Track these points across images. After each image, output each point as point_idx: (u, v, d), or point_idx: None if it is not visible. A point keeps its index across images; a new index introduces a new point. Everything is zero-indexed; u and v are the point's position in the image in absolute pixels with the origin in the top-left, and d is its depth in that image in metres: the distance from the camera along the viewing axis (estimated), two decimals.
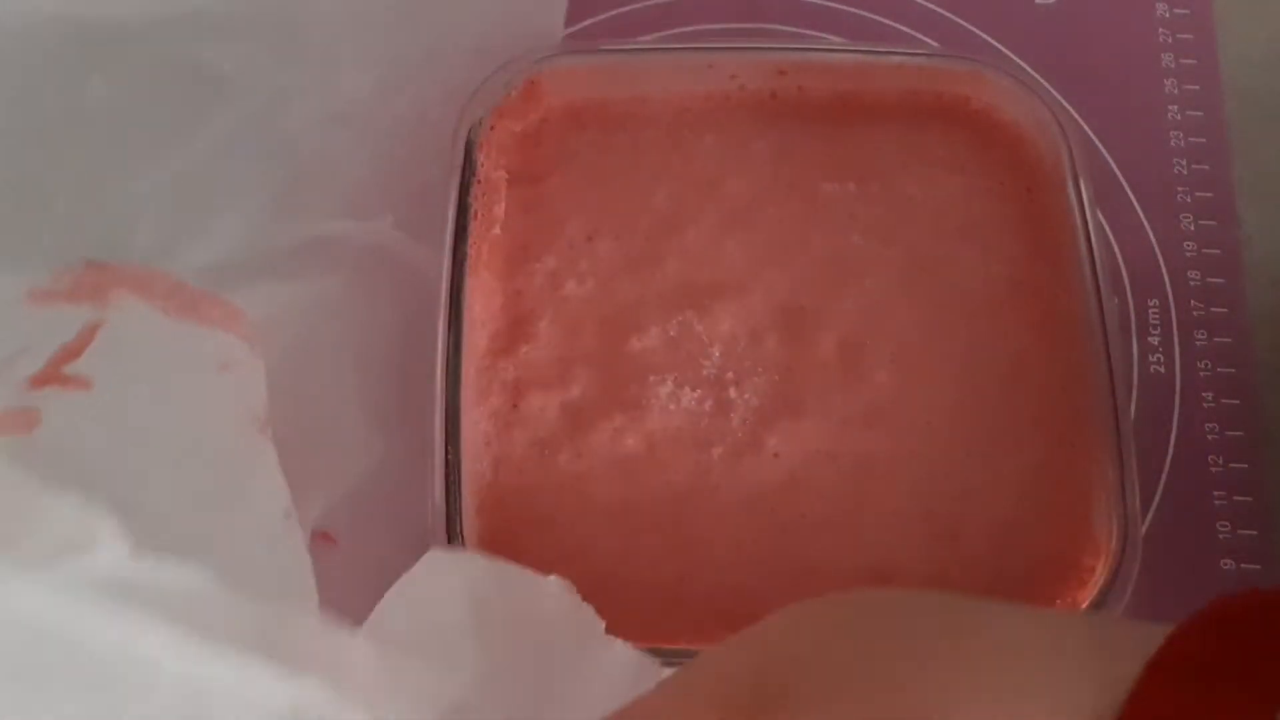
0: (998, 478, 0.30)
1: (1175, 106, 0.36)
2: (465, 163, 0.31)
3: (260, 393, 0.27)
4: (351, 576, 0.28)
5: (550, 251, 0.32)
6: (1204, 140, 0.36)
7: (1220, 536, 0.32)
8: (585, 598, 0.29)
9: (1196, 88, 0.36)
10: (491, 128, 0.32)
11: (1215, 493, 0.32)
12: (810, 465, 0.30)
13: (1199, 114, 0.36)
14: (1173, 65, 0.37)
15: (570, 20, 0.37)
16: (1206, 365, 0.34)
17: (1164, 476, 0.32)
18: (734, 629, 0.29)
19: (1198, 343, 0.34)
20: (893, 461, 0.30)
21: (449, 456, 0.28)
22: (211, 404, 0.26)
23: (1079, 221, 0.31)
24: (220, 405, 0.26)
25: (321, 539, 0.29)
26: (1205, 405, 0.33)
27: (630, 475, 0.30)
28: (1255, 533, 0.32)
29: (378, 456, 0.30)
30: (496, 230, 0.32)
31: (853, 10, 0.37)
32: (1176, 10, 0.37)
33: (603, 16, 0.37)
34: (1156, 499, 0.32)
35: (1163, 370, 0.34)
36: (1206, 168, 0.35)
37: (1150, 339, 0.34)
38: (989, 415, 0.30)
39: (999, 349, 0.31)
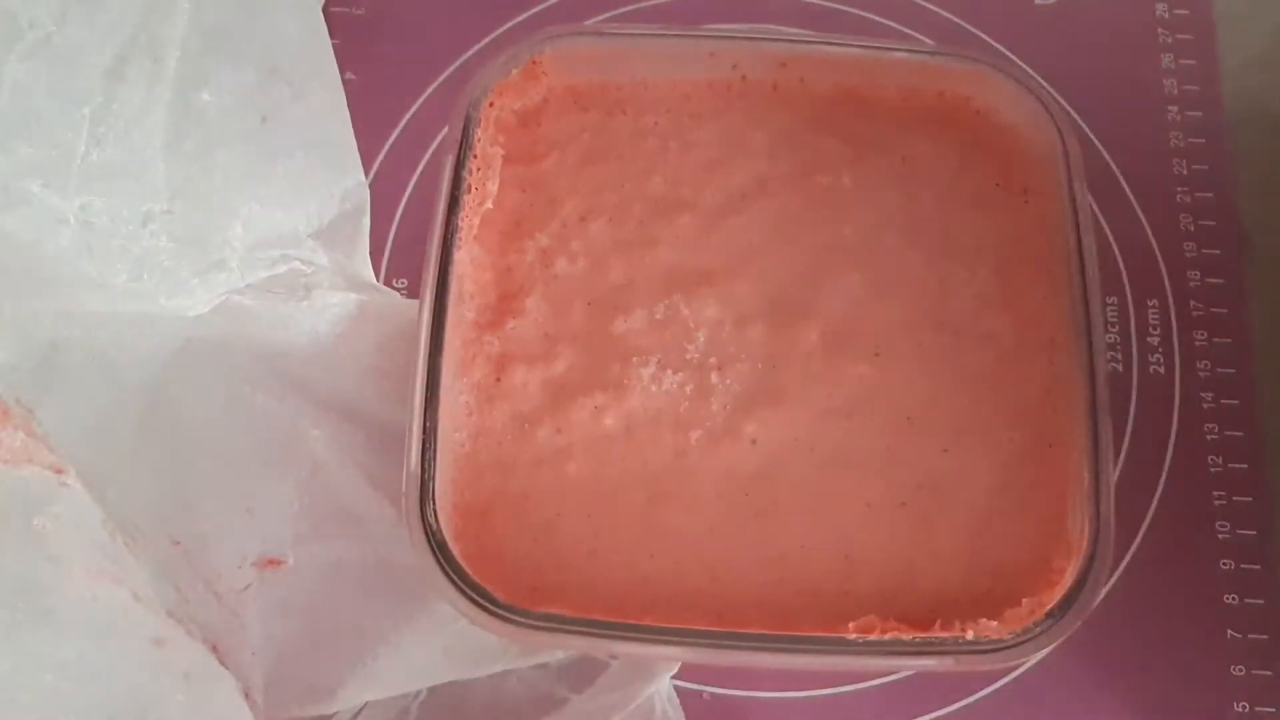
0: (974, 475, 0.29)
1: (1175, 107, 0.36)
2: (462, 137, 0.31)
3: (91, 528, 0.23)
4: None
5: (543, 230, 0.32)
6: (1204, 140, 0.36)
7: (1220, 536, 0.31)
8: (555, 573, 0.29)
9: (1196, 88, 0.36)
10: (491, 104, 0.32)
11: (1215, 493, 0.32)
12: (787, 453, 0.30)
13: (1199, 114, 0.36)
14: (1173, 65, 0.37)
15: (573, 17, 0.37)
16: (1206, 366, 0.33)
17: (1164, 476, 0.32)
18: (703, 609, 0.28)
19: (1198, 343, 0.34)
20: (870, 453, 0.30)
21: (426, 424, 0.28)
22: (34, 577, 0.21)
23: (1072, 227, 0.30)
24: (46, 572, 0.21)
25: (269, 565, 0.29)
26: (1205, 406, 0.33)
27: (608, 454, 0.30)
28: (1255, 533, 0.31)
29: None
30: (489, 205, 0.31)
31: (854, 10, 0.37)
32: (1176, 10, 0.37)
33: (604, 16, 0.38)
34: (1156, 499, 0.32)
35: (1162, 371, 0.33)
36: (1206, 168, 0.35)
37: (1150, 339, 0.34)
38: (969, 413, 0.30)
39: (984, 348, 0.30)
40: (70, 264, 0.25)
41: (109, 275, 0.25)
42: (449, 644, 0.28)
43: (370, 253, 0.34)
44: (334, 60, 0.28)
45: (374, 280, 0.32)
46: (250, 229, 0.28)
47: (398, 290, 0.34)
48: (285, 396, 0.29)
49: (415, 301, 0.32)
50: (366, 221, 0.32)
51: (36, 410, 0.24)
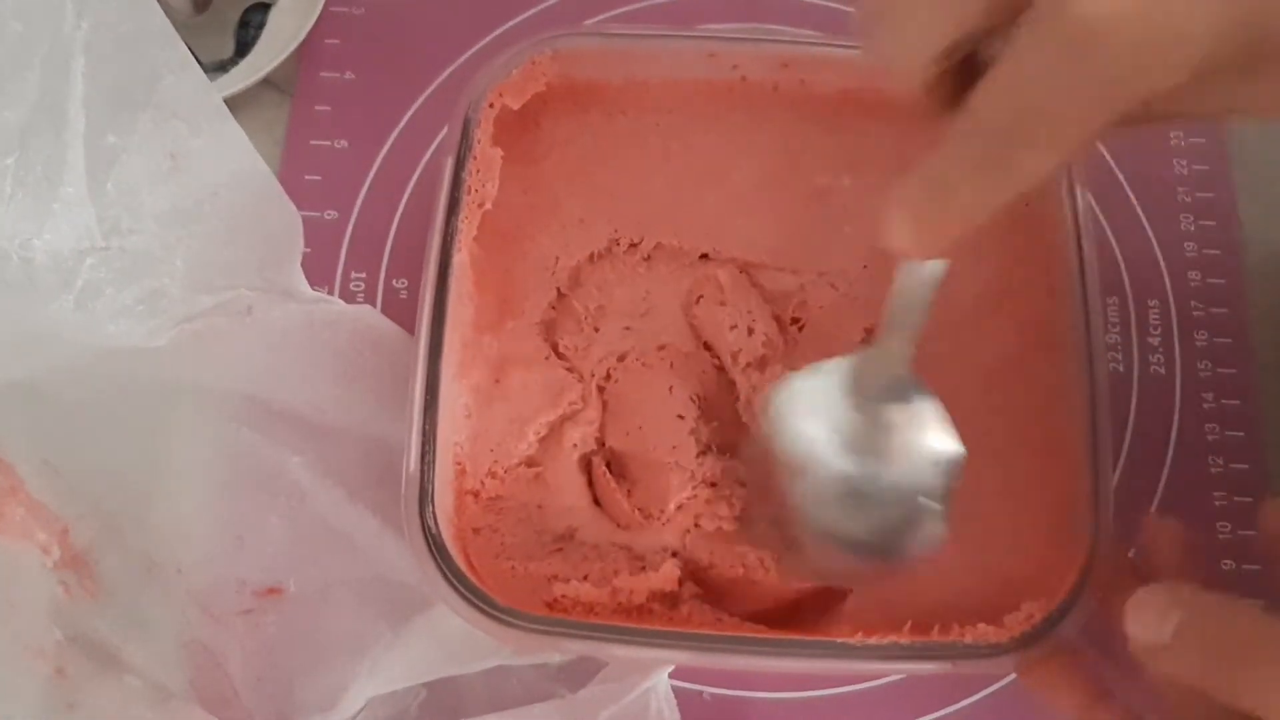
0: (975, 482, 0.29)
1: None
2: (462, 138, 0.31)
3: (49, 601, 0.26)
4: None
5: (544, 231, 0.32)
6: (1204, 140, 0.36)
7: (1220, 536, 0.31)
8: (555, 580, 0.28)
9: None
10: (490, 105, 0.32)
11: (1215, 493, 0.32)
12: None
13: None
14: None
15: (574, 17, 0.37)
16: (1206, 366, 0.33)
17: (1164, 476, 0.32)
18: (702, 611, 0.28)
19: (1198, 343, 0.33)
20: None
21: (426, 426, 0.28)
22: None
23: (1072, 230, 0.30)
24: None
25: (268, 594, 0.29)
26: (1205, 406, 0.33)
27: (608, 455, 0.30)
28: (1255, 533, 0.31)
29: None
30: (489, 207, 0.31)
31: (855, 10, 0.37)
32: None
33: (604, 16, 0.38)
34: (1156, 499, 0.32)
35: (1163, 371, 0.33)
36: (1206, 168, 0.35)
37: (1150, 339, 0.33)
38: (970, 419, 0.29)
39: (984, 352, 0.30)
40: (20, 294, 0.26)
41: (54, 301, 0.27)
42: (446, 641, 0.28)
43: (370, 254, 0.35)
44: (215, 92, 0.30)
45: (310, 291, 0.33)
46: (189, 261, 0.30)
47: (398, 291, 0.34)
48: (267, 427, 0.30)
49: (364, 306, 0.32)
50: (300, 242, 0.32)
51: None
